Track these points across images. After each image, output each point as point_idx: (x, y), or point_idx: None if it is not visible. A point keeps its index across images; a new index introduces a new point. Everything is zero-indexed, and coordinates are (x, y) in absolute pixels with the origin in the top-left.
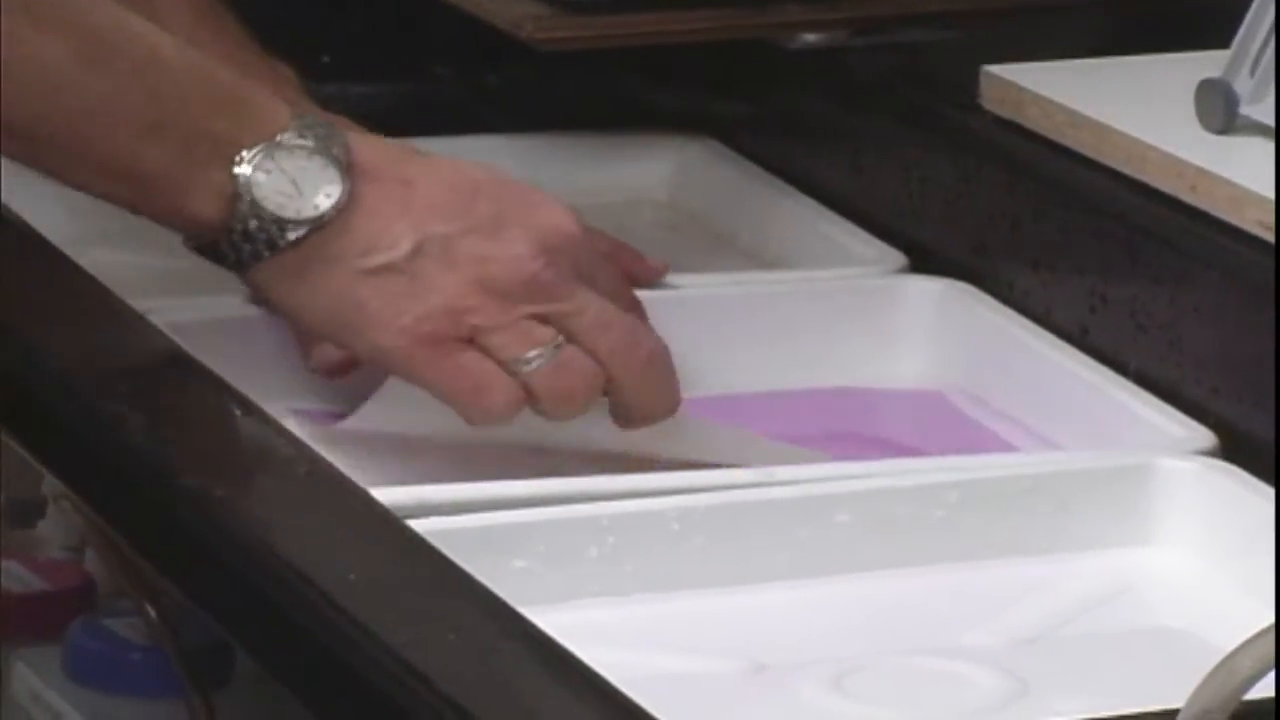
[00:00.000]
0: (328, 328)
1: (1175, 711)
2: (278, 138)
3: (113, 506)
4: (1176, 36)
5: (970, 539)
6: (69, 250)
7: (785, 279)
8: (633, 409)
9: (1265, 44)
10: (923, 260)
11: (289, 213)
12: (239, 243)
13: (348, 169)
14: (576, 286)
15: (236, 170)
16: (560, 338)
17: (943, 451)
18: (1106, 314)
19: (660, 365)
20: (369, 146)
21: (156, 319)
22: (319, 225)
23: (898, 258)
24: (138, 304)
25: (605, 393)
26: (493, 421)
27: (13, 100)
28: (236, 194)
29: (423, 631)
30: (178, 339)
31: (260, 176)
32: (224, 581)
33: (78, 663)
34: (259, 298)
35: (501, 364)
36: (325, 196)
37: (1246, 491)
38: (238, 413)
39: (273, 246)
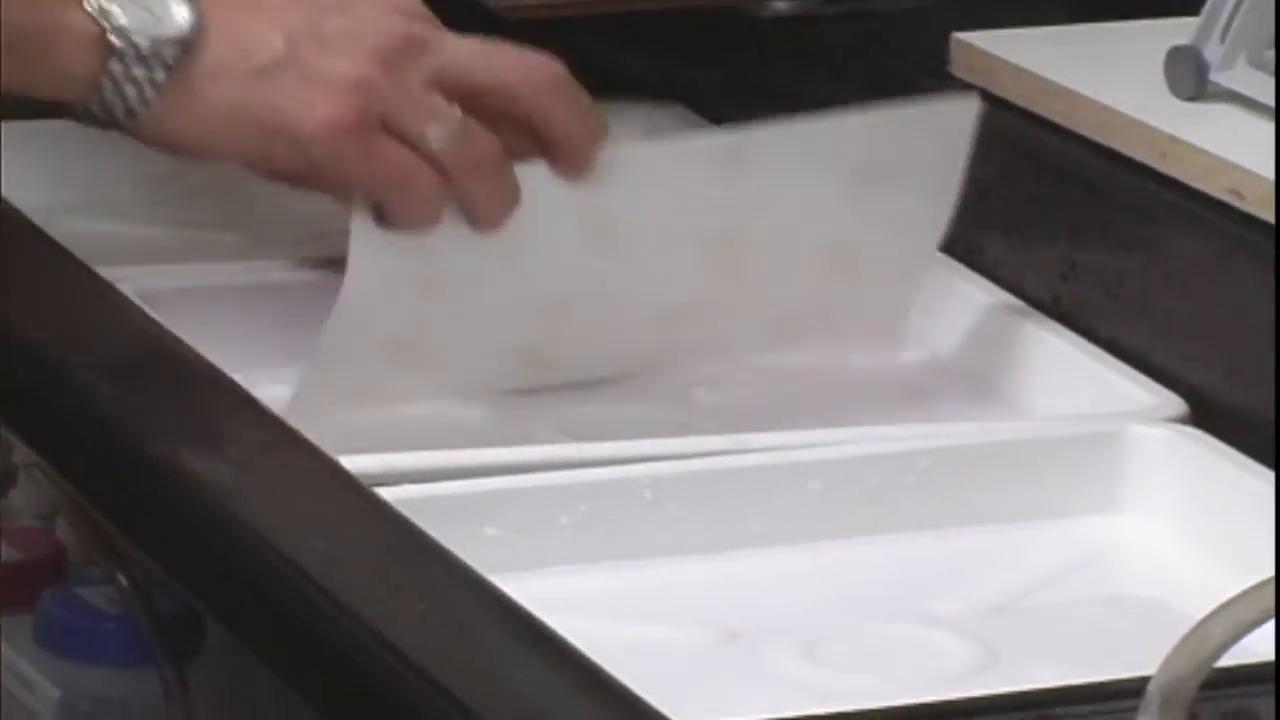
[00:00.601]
0: (247, 143)
1: (1146, 679)
2: None
3: (84, 475)
4: (1147, 3)
5: (941, 506)
6: (38, 220)
7: None
8: (563, 132)
9: (1235, 10)
10: None
11: (159, 33)
12: (121, 87)
13: None
14: (442, 30)
15: (89, 8)
16: (456, 114)
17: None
18: (1077, 281)
19: (568, 81)
20: None
21: (127, 288)
22: (190, 42)
23: None
24: (108, 273)
25: (530, 131)
26: (418, 217)
27: None
28: (102, 33)
29: (393, 600)
30: (148, 308)
31: (114, 8)
32: (195, 550)
33: (49, 631)
34: (167, 147)
35: (412, 144)
36: (180, 12)
37: (1217, 458)
38: (209, 381)
39: (154, 78)
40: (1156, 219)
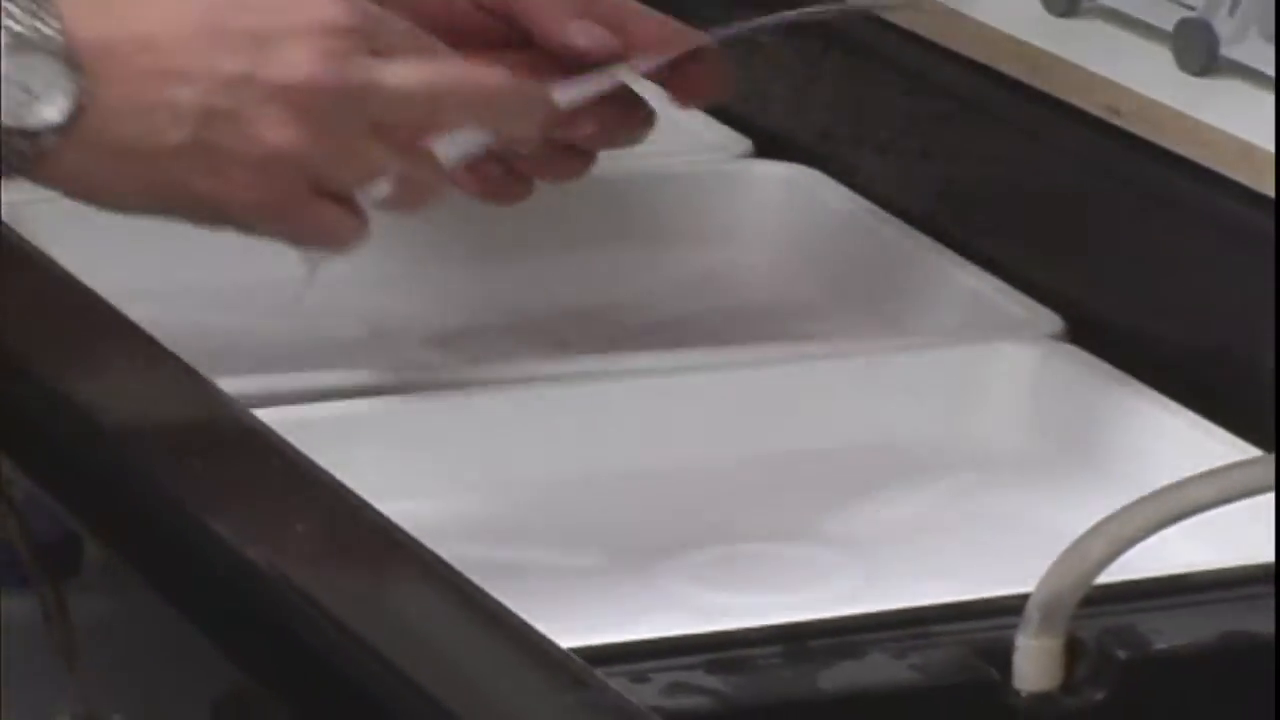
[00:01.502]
0: (167, 214)
1: (1026, 596)
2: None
3: None
4: None
5: (820, 426)
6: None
7: (626, 163)
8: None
9: None
10: (769, 146)
11: (32, 119)
12: (10, 159)
13: (72, 54)
14: (369, 68)
15: None
16: (389, 154)
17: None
18: (953, 198)
19: (509, 90)
20: (81, 13)
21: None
22: (71, 126)
23: (743, 142)
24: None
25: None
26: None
27: None
28: None
29: (269, 522)
30: (15, 227)
31: None
32: (72, 471)
33: None
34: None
35: (346, 197)
36: (63, 94)
37: (1092, 374)
38: (83, 300)
39: (38, 150)
40: (1032, 136)
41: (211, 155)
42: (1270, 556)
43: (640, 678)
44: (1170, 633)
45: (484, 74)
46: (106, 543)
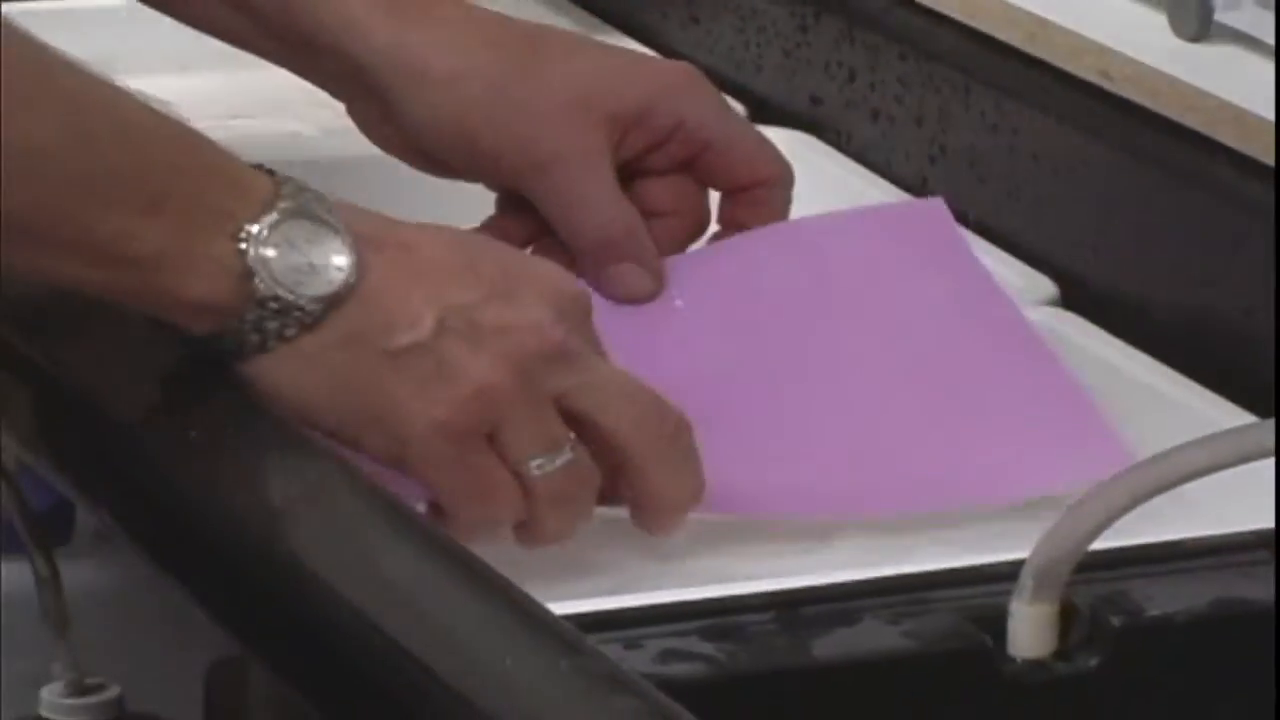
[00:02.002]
0: (343, 421)
1: (1021, 562)
2: (276, 206)
3: None
4: None
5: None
6: None
7: None
8: (653, 495)
9: None
10: (761, 111)
11: (306, 289)
12: (248, 328)
13: (350, 236)
14: (595, 354)
15: (243, 245)
16: (571, 438)
17: None
18: (945, 164)
19: (685, 442)
20: (354, 210)
21: None
22: (336, 302)
23: (736, 108)
24: None
25: (622, 479)
26: (476, 531)
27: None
28: (247, 271)
29: (262, 489)
30: None
31: (269, 251)
32: (64, 439)
33: None
34: (258, 394)
35: (510, 462)
36: (338, 269)
37: (1087, 339)
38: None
39: (285, 330)
40: (1024, 100)
41: (428, 367)
42: (1264, 523)
43: (633, 644)
44: (1164, 599)
45: (676, 415)
46: (99, 510)
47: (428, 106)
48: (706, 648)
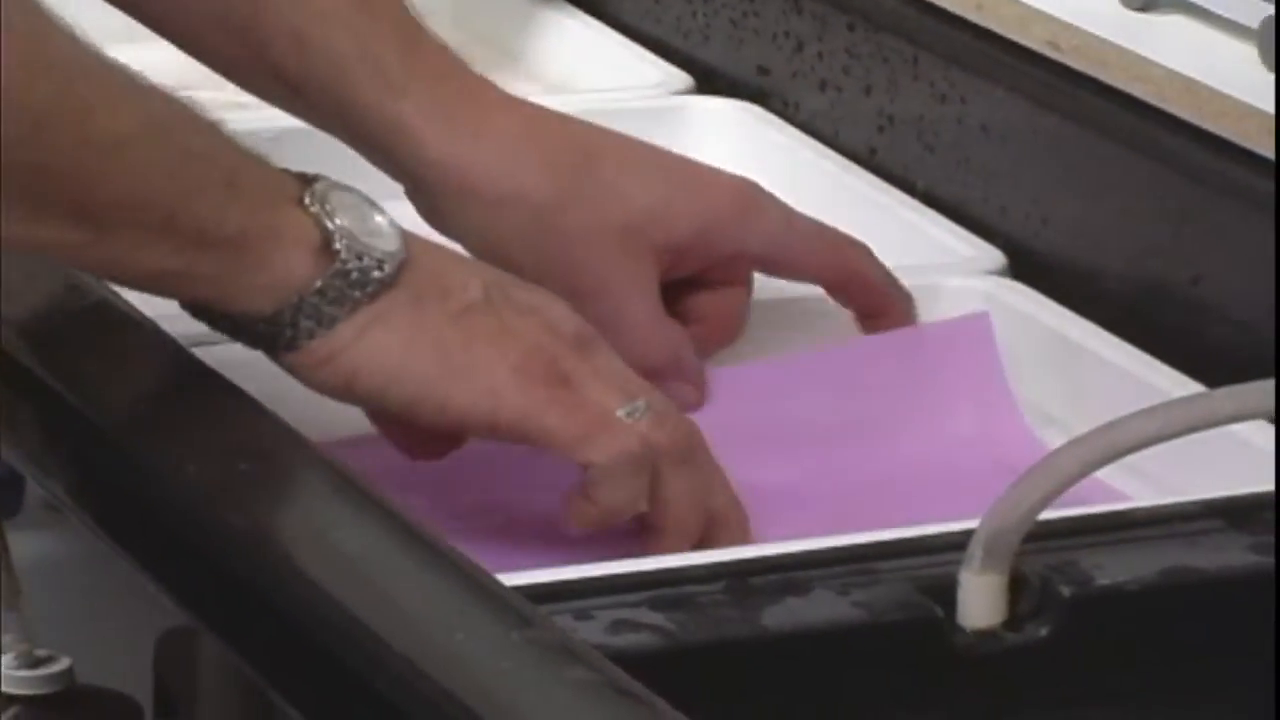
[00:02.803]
0: (426, 383)
1: (970, 532)
2: (315, 180)
3: None
4: None
5: (759, 360)
6: None
7: (570, 101)
8: (667, 500)
9: None
10: (709, 82)
11: (378, 249)
12: (328, 300)
13: (390, 219)
14: (607, 346)
15: (314, 211)
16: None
17: None
18: (893, 134)
19: (701, 448)
20: None
21: None
22: (402, 264)
23: (684, 79)
24: None
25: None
26: (612, 468)
27: (92, 181)
28: (327, 237)
29: (212, 462)
30: None
31: (340, 218)
32: (13, 412)
33: None
34: (324, 380)
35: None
36: (392, 234)
37: (1036, 309)
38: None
39: (366, 293)
40: (972, 70)
41: (491, 325)
42: (1212, 492)
43: (584, 615)
44: (1113, 569)
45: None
46: (48, 483)
47: (474, 226)
48: (657, 618)
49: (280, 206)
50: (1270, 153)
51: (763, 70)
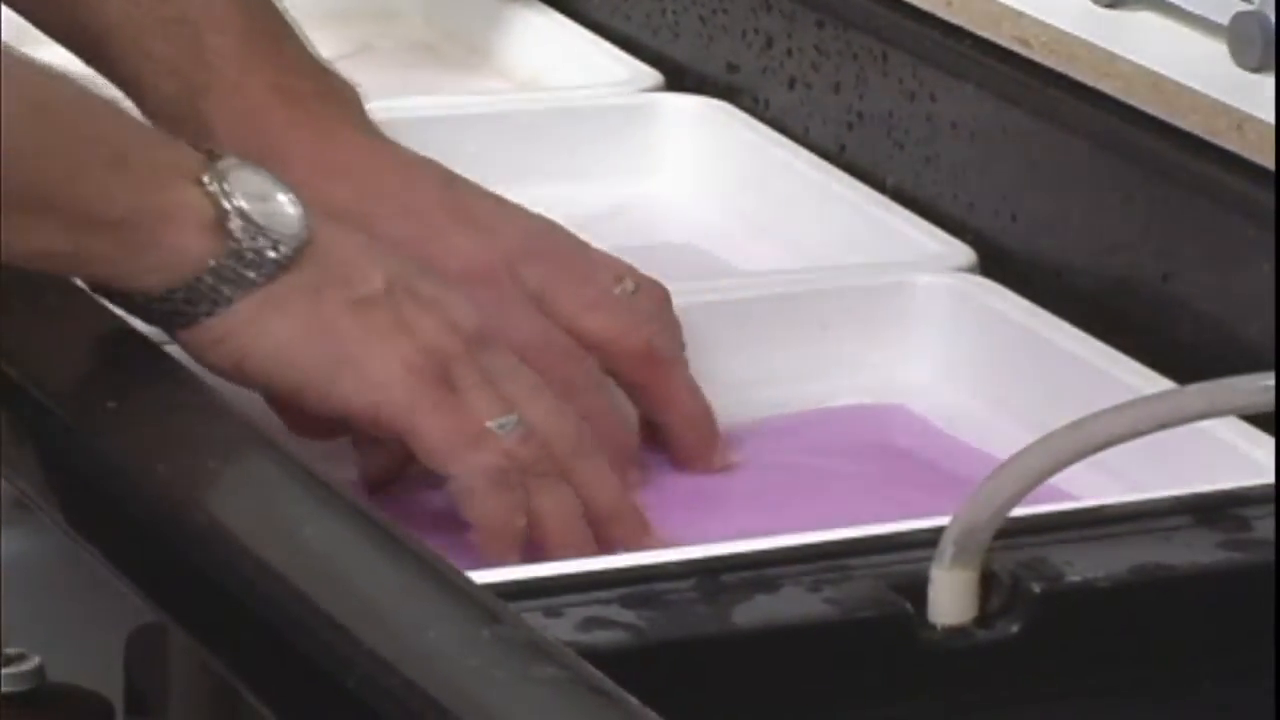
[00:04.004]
0: (315, 370)
1: (941, 529)
2: (220, 159)
3: None
4: None
5: (729, 358)
6: None
7: (540, 98)
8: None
9: None
10: (678, 79)
11: (276, 230)
12: (221, 279)
13: (293, 194)
14: (506, 346)
15: (211, 189)
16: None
17: None
18: (863, 131)
19: (590, 446)
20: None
21: None
22: (301, 246)
23: (653, 76)
24: None
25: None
26: (472, 483)
27: None
28: (221, 215)
29: (182, 459)
30: None
31: (237, 197)
32: None
33: None
34: (214, 361)
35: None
36: (294, 217)
37: (1005, 306)
38: None
39: (259, 274)
40: (942, 67)
41: (388, 319)
42: (1182, 489)
43: (554, 612)
44: (1084, 565)
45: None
46: (16, 481)
47: None
48: (627, 615)
49: (174, 186)
50: (1239, 149)
51: (732, 67)
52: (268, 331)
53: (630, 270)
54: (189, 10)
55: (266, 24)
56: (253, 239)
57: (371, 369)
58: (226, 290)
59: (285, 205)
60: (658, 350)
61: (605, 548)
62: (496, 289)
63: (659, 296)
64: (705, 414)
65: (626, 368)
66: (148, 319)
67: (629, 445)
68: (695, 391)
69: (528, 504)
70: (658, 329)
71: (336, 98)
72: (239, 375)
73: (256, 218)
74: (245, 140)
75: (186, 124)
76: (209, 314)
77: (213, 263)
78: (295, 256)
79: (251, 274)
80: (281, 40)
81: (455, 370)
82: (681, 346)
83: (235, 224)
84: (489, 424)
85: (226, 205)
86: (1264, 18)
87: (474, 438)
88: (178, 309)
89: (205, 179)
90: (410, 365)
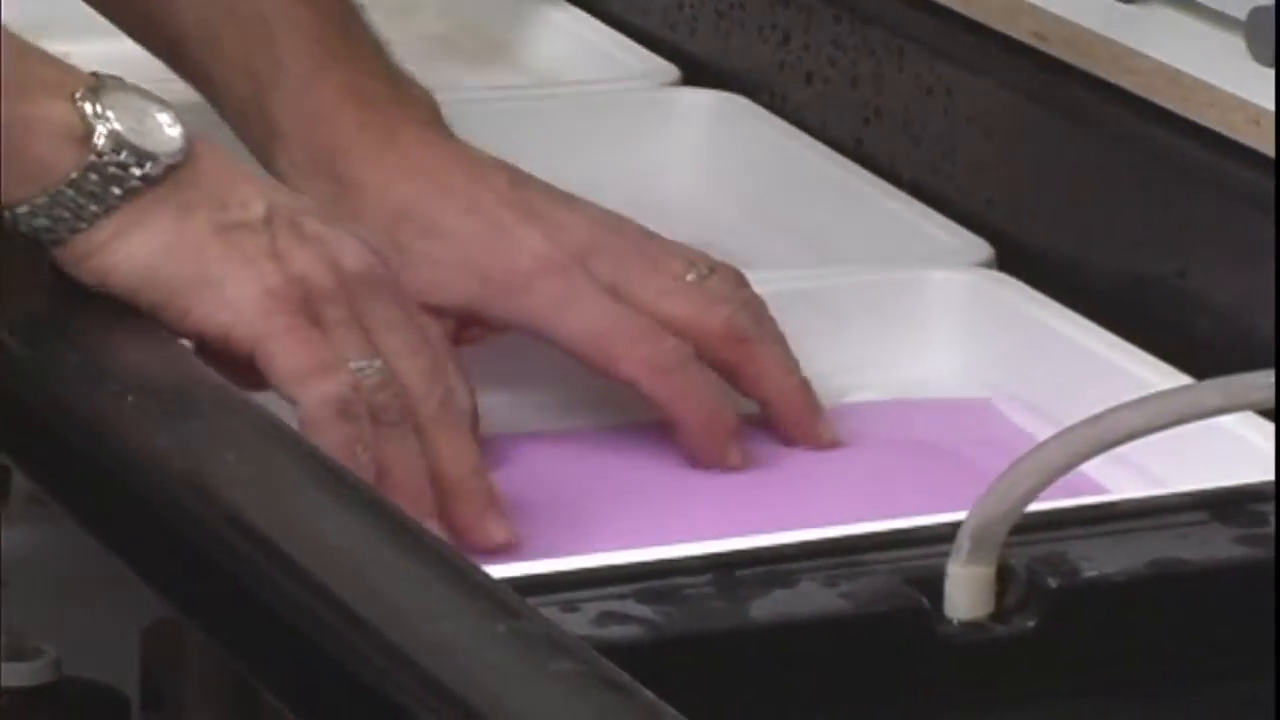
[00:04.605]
0: (172, 289)
1: (957, 524)
2: (106, 81)
3: None
4: None
5: None
6: None
7: (557, 92)
8: (431, 458)
9: None
10: (695, 73)
11: (145, 146)
12: (85, 194)
13: (178, 118)
14: (397, 297)
15: (81, 103)
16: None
17: None
18: (880, 126)
19: (455, 410)
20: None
21: None
22: (173, 166)
23: (670, 70)
24: None
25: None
26: (315, 410)
27: None
28: (87, 130)
29: (197, 453)
30: None
31: (108, 112)
32: (3, 404)
33: None
34: (80, 275)
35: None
36: (171, 138)
37: (1023, 301)
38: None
39: (124, 187)
40: (959, 62)
41: (259, 244)
42: (1199, 484)
43: (570, 607)
44: (1101, 560)
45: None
46: (33, 475)
47: None
48: (643, 610)
49: (41, 99)
50: (1256, 144)
51: (749, 62)
52: (131, 248)
53: (701, 255)
54: (265, 9)
55: (343, 26)
56: (117, 154)
57: (228, 289)
58: (92, 206)
59: (163, 126)
60: (738, 328)
61: (446, 522)
62: (567, 279)
63: (733, 278)
64: (801, 388)
65: (711, 350)
66: (25, 236)
67: (729, 424)
68: (788, 367)
69: (373, 445)
70: (735, 308)
71: (409, 100)
72: (108, 292)
73: (126, 135)
74: (313, 139)
75: (257, 121)
76: (73, 230)
77: (74, 175)
78: (165, 175)
79: (115, 189)
80: (357, 42)
81: (324, 307)
82: (769, 323)
83: (100, 139)
84: (350, 364)
85: (93, 120)
86: (1277, 13)
87: (323, 366)
88: (46, 226)
89: (77, 95)
90: (269, 290)
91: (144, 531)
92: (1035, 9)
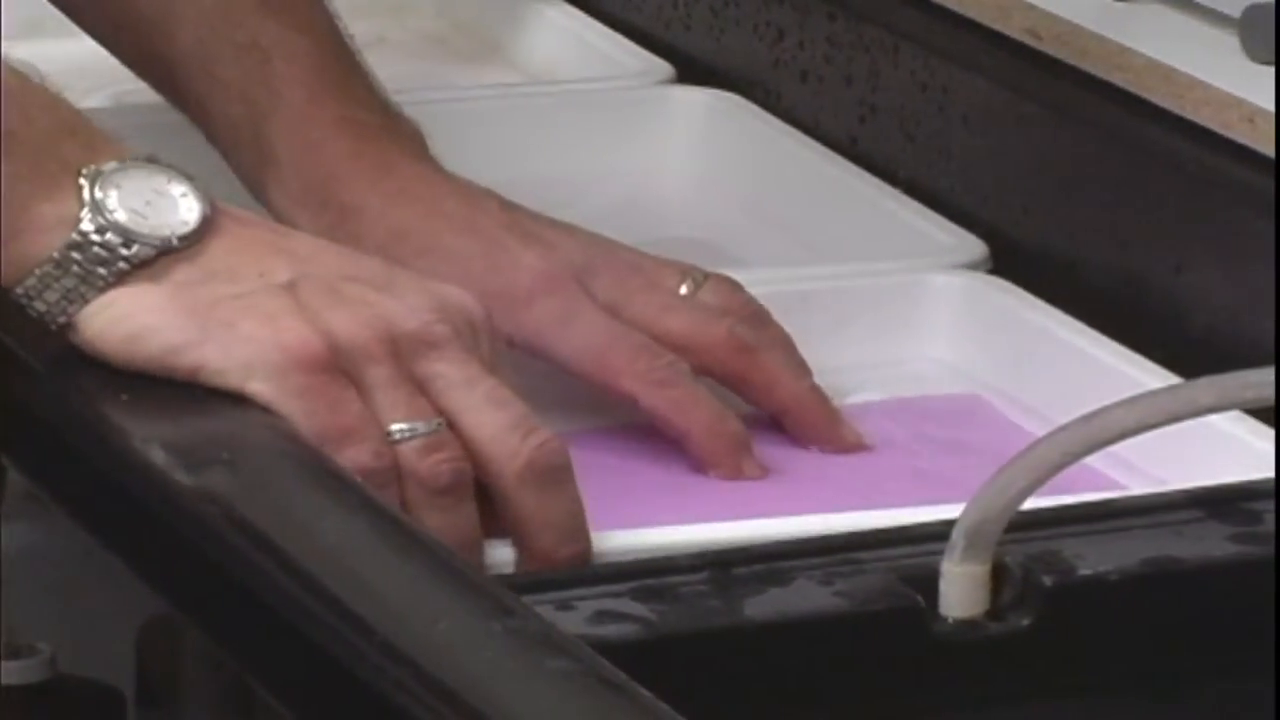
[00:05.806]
0: (174, 337)
1: (952, 523)
2: (130, 158)
3: None
4: None
5: None
6: None
7: (551, 90)
8: (520, 517)
9: None
10: (690, 71)
11: (142, 227)
12: (73, 268)
13: (209, 200)
14: (470, 355)
15: (83, 181)
16: (440, 420)
17: None
18: (875, 124)
19: (550, 466)
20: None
21: None
22: (167, 249)
23: (665, 68)
24: None
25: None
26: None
27: None
28: (83, 205)
29: (194, 451)
30: None
31: (110, 191)
32: None
33: None
34: (82, 347)
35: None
36: (182, 220)
37: (1016, 302)
38: None
39: (112, 269)
40: (953, 60)
41: (280, 303)
42: (1193, 482)
43: (566, 605)
44: (1095, 558)
45: (552, 442)
46: (29, 472)
47: None
48: (639, 608)
49: (52, 175)
50: (1251, 142)
51: (743, 60)
52: (116, 314)
53: (691, 269)
54: (261, 38)
55: (339, 58)
56: (101, 235)
57: (239, 347)
58: (81, 287)
59: (178, 207)
60: (740, 338)
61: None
62: (566, 297)
63: (728, 288)
64: (812, 391)
65: (717, 363)
66: (35, 320)
67: (736, 432)
68: (797, 371)
69: (414, 514)
70: (736, 319)
71: (401, 133)
72: (107, 359)
73: (118, 216)
74: (308, 167)
75: (250, 148)
76: (64, 312)
77: (55, 255)
78: (157, 257)
79: (101, 269)
80: (350, 74)
81: (364, 367)
82: (773, 328)
83: (85, 221)
84: (391, 427)
85: (86, 201)
86: (1276, 10)
87: (343, 432)
88: (41, 310)
89: (83, 173)
90: (285, 346)
91: (140, 529)
92: (1029, 6)
